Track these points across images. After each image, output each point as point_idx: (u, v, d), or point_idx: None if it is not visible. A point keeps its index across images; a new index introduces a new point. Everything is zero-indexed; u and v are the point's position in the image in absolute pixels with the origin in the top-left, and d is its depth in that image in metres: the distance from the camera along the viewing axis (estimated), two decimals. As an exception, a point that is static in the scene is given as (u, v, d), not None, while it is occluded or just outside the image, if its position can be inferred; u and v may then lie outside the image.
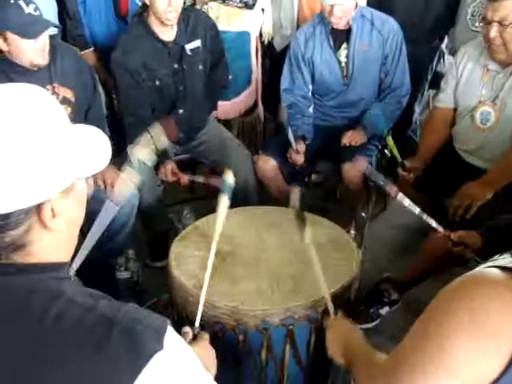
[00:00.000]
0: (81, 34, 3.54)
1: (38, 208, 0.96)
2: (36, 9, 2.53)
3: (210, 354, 1.57)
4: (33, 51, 2.56)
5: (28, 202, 0.94)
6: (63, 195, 0.99)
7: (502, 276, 1.04)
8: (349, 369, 1.58)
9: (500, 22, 2.51)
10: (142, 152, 2.60)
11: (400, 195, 2.42)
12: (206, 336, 1.66)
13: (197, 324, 1.78)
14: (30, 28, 2.50)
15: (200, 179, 3.20)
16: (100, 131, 1.09)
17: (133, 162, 2.57)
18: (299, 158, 3.24)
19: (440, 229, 2.35)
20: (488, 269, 1.08)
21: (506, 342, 0.99)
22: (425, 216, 2.37)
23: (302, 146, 3.23)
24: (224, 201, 2.11)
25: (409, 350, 1.15)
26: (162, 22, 3.05)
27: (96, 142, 1.07)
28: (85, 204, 1.09)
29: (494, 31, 2.54)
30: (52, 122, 0.98)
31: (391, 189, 2.45)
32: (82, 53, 3.51)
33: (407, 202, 2.41)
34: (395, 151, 3.00)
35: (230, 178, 2.18)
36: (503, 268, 1.06)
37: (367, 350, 1.52)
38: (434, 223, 2.36)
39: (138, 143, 2.67)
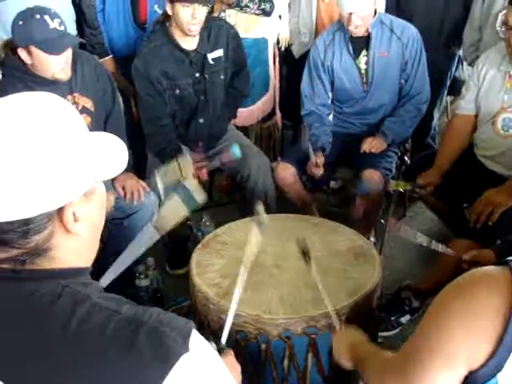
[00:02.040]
0: (100, 42, 3.55)
1: (60, 212, 0.97)
2: (61, 24, 2.53)
3: (236, 368, 1.56)
4: (56, 66, 2.57)
5: (50, 206, 0.95)
6: (84, 199, 1.01)
7: (494, 269, 1.18)
8: (357, 369, 1.66)
9: None
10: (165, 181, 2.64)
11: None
12: (231, 352, 1.65)
13: (223, 341, 1.76)
14: (54, 43, 2.51)
15: (216, 164, 3.16)
16: (116, 137, 1.11)
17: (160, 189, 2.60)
18: (318, 171, 3.21)
19: (449, 252, 2.34)
20: (484, 267, 1.22)
21: (494, 323, 1.11)
22: (433, 244, 2.35)
23: (321, 159, 3.20)
24: (256, 234, 2.01)
25: (414, 345, 1.28)
26: (185, 33, 3.05)
27: (113, 147, 1.08)
28: (105, 209, 1.10)
29: None
30: (70, 128, 0.99)
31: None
32: (101, 60, 3.53)
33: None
34: (401, 186, 3.01)
35: (261, 211, 2.16)
36: (499, 263, 1.19)
37: (374, 349, 1.63)
38: (441, 248, 2.34)
39: (164, 171, 2.70)
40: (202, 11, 2.99)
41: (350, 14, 3.06)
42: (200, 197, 2.56)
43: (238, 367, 1.57)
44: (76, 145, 0.99)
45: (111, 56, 3.62)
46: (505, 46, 2.66)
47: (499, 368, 1.12)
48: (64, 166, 0.95)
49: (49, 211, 0.96)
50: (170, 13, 3.02)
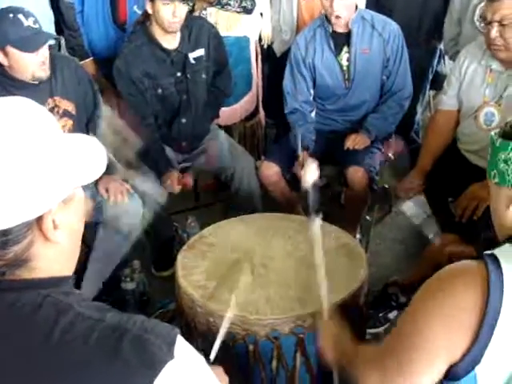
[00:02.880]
0: (79, 44, 3.53)
1: (39, 221, 0.96)
2: (35, 22, 2.51)
3: (224, 380, 1.55)
4: (34, 64, 2.54)
5: (28, 216, 0.94)
6: (63, 206, 0.99)
7: (470, 263, 1.20)
8: (342, 368, 1.68)
9: (500, 22, 2.50)
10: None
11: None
12: (220, 368, 1.64)
13: (212, 357, 1.75)
14: (30, 41, 2.49)
15: (200, 162, 3.13)
16: (95, 139, 1.09)
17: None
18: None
19: (436, 240, 2.34)
20: (462, 260, 1.25)
21: (471, 317, 1.13)
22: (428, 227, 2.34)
23: (306, 157, 3.19)
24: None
25: (394, 338, 1.32)
26: (166, 31, 3.04)
27: (91, 150, 1.06)
28: (84, 215, 1.09)
29: (494, 31, 2.53)
30: (46, 134, 0.97)
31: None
32: (82, 62, 3.50)
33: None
34: None
35: None
36: (474, 257, 1.22)
37: (357, 347, 1.61)
38: (431, 235, 2.34)
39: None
40: (182, 9, 2.98)
41: (331, 0, 3.05)
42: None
43: (226, 379, 1.56)
44: (52, 151, 0.97)
45: (92, 58, 3.59)
46: (484, 40, 2.66)
47: (477, 361, 1.14)
48: (41, 174, 0.94)
49: (27, 221, 0.94)
50: (150, 11, 3.01)
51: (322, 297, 1.95)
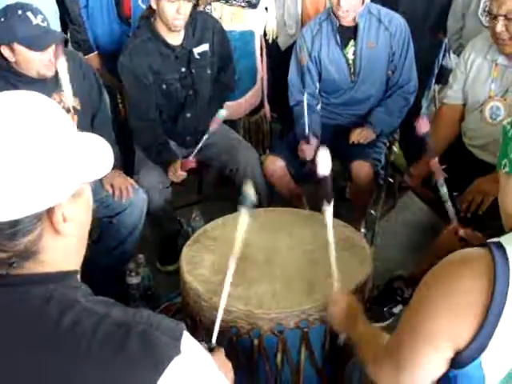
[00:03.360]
0: (84, 39, 3.53)
1: (50, 213, 0.97)
2: (44, 20, 2.50)
3: (227, 366, 1.56)
4: (40, 62, 2.53)
5: (39, 207, 0.95)
6: (72, 200, 1.00)
7: (476, 250, 1.20)
8: (351, 343, 1.70)
9: (506, 16, 2.49)
10: None
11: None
12: (222, 350, 1.65)
13: (213, 340, 1.76)
14: (37, 40, 2.47)
15: (204, 140, 3.10)
16: (101, 138, 1.10)
17: None
18: (310, 151, 3.12)
19: (454, 221, 2.31)
20: (467, 248, 1.25)
21: (477, 304, 1.13)
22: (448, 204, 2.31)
23: (314, 140, 3.18)
24: (244, 215, 1.90)
25: (401, 329, 1.32)
26: (169, 28, 3.03)
27: (99, 147, 1.08)
28: (91, 209, 1.10)
29: (500, 25, 2.52)
30: (57, 128, 0.98)
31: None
32: (86, 57, 3.50)
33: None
34: (400, 160, 2.98)
35: (251, 191, 1.94)
36: (480, 245, 1.21)
37: (372, 331, 1.64)
38: (452, 213, 2.31)
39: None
40: (187, 7, 2.97)
41: None
42: None
43: (229, 364, 1.57)
44: (64, 145, 0.98)
45: (96, 52, 3.59)
46: (490, 34, 2.65)
47: (483, 348, 1.14)
48: (53, 167, 0.95)
49: (38, 212, 0.95)
50: (154, 7, 3.00)
51: (333, 279, 1.97)
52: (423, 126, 2.27)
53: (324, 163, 2.01)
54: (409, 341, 1.26)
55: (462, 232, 2.22)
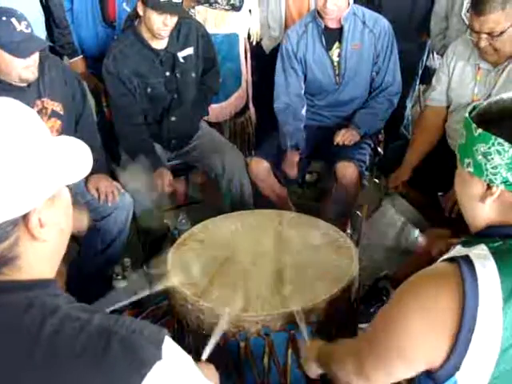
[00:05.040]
0: (69, 42, 3.51)
1: (25, 218, 0.97)
2: (28, 26, 2.47)
3: (215, 377, 1.55)
4: (22, 67, 2.51)
5: (13, 214, 0.94)
6: (49, 204, 1.00)
7: (444, 266, 1.18)
8: (328, 371, 1.66)
9: (489, 34, 2.49)
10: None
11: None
12: (212, 366, 1.64)
13: (204, 357, 1.73)
14: (21, 47, 2.45)
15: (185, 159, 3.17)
16: (78, 141, 1.09)
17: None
18: (293, 171, 3.24)
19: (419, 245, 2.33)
20: (437, 263, 1.23)
21: (448, 324, 1.12)
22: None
23: (295, 156, 3.22)
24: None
25: (372, 333, 1.32)
26: (153, 35, 3.03)
27: (75, 151, 1.07)
28: (71, 214, 1.09)
29: (483, 41, 2.52)
30: (31, 134, 0.98)
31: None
32: (71, 61, 3.50)
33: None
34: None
35: None
36: (450, 259, 1.18)
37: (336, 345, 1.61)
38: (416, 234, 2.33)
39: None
40: (173, 19, 2.98)
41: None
42: None
43: (217, 376, 1.56)
44: (38, 150, 0.98)
45: (81, 56, 3.58)
46: (473, 45, 2.65)
47: (457, 368, 1.13)
48: (26, 172, 0.95)
49: (12, 218, 0.95)
50: (141, 13, 3.00)
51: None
52: None
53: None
54: (377, 346, 1.26)
55: (437, 250, 2.22)
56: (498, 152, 1.14)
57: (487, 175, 1.17)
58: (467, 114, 1.23)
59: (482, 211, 1.23)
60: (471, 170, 1.20)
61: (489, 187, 1.19)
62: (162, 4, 2.90)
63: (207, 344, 1.77)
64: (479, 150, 1.17)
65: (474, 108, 1.24)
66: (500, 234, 1.20)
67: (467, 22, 3.14)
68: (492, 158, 1.15)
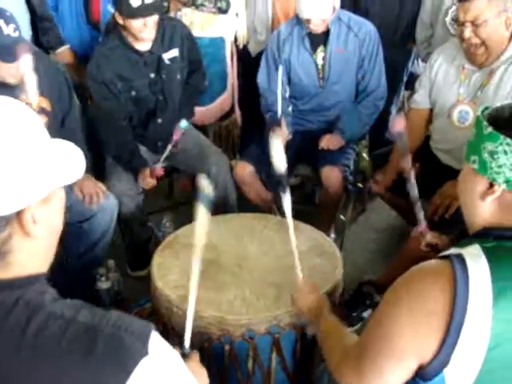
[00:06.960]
0: (55, 33, 3.50)
1: (19, 215, 0.97)
2: (16, 29, 2.42)
3: (202, 372, 1.56)
4: (6, 71, 2.47)
5: (7, 210, 0.95)
6: (43, 202, 1.00)
7: (437, 263, 1.21)
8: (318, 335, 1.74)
9: (473, 22, 2.52)
10: None
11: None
12: (197, 355, 1.65)
13: (186, 345, 1.73)
14: (7, 51, 2.40)
15: (168, 150, 3.17)
16: (73, 145, 1.10)
17: None
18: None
19: (423, 223, 2.31)
20: (431, 260, 1.25)
21: (439, 319, 1.14)
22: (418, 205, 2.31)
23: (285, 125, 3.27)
24: (202, 212, 1.84)
25: (366, 337, 1.33)
26: (136, 39, 3.02)
27: (70, 154, 1.08)
28: (63, 213, 1.10)
29: (467, 31, 2.54)
30: (29, 134, 0.98)
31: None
32: (59, 50, 3.49)
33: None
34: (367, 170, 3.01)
35: (207, 187, 1.91)
36: (442, 257, 1.22)
37: (339, 330, 1.66)
38: (421, 215, 2.32)
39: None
40: (152, 18, 2.95)
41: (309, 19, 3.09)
42: None
43: (204, 371, 1.57)
44: (35, 150, 0.98)
45: (69, 46, 3.58)
46: (459, 41, 2.68)
47: (445, 363, 1.15)
48: (23, 170, 0.95)
49: (6, 215, 0.95)
50: (120, 22, 2.97)
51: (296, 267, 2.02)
52: (398, 124, 2.25)
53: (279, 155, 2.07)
54: (373, 351, 1.27)
55: (429, 236, 2.24)
56: (505, 152, 1.18)
57: (491, 173, 1.20)
58: (479, 113, 1.26)
59: (482, 210, 1.26)
60: (476, 166, 1.23)
61: (491, 186, 1.22)
62: (137, 9, 2.86)
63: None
64: (487, 148, 1.20)
65: (486, 108, 1.27)
66: (494, 235, 1.23)
67: (452, 32, 3.19)
68: (498, 157, 1.19)
